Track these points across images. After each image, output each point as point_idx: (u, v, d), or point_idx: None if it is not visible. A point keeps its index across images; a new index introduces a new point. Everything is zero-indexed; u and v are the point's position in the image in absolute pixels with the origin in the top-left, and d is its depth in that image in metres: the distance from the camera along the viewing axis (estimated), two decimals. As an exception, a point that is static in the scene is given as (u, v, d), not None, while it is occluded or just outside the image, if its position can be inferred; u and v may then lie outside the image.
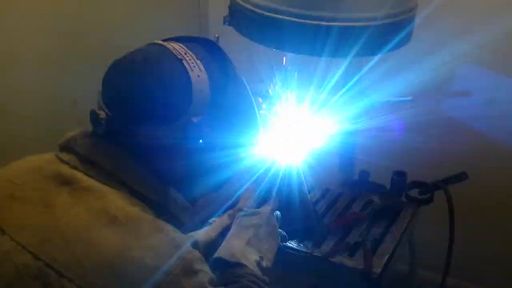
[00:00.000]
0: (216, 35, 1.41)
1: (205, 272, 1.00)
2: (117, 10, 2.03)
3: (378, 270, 1.50)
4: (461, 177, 1.72)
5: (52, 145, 1.10)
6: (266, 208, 1.33)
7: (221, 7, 1.54)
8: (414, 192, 1.79)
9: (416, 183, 1.80)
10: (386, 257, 1.55)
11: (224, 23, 1.51)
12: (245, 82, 1.14)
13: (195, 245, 1.04)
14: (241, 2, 1.40)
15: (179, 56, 1.03)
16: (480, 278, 2.28)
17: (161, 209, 1.07)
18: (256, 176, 1.37)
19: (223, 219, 1.35)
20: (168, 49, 1.04)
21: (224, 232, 1.30)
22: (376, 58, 1.41)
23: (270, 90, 1.57)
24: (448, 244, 1.77)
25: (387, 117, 1.71)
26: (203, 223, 1.33)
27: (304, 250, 1.56)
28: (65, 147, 1.07)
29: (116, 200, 1.00)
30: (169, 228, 1.01)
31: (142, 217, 1.00)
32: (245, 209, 1.32)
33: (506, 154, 2.04)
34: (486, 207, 2.14)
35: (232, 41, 1.45)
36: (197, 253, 1.01)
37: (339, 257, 1.54)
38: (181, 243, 0.99)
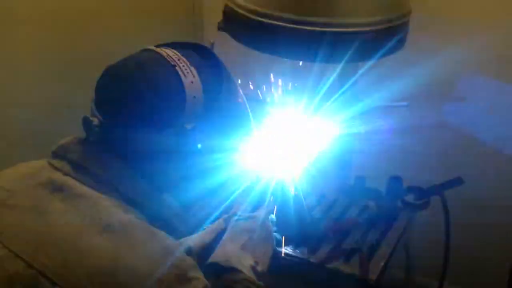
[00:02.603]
0: (211, 41, 1.40)
1: (199, 280, 1.00)
2: (112, 16, 2.03)
3: (374, 276, 1.49)
4: (456, 182, 1.72)
5: (45, 151, 1.10)
6: (260, 213, 1.33)
7: (216, 13, 1.54)
8: (410, 198, 1.78)
9: (412, 188, 1.79)
10: (382, 263, 1.54)
11: (219, 29, 1.51)
12: (239, 88, 1.14)
13: (189, 251, 1.03)
14: (235, 8, 1.40)
15: (173, 63, 1.03)
16: (477, 284, 2.27)
17: (154, 215, 1.07)
18: (250, 180, 1.36)
19: (218, 224, 1.34)
20: (161, 55, 1.04)
21: (218, 236, 1.30)
22: (371, 62, 1.41)
23: (265, 95, 1.57)
24: (444, 250, 1.77)
25: (382, 122, 1.71)
26: (197, 228, 1.32)
27: (299, 256, 1.56)
28: (58, 154, 1.07)
29: (109, 207, 1.00)
30: (163, 235, 1.01)
31: (135, 224, 1.00)
32: (239, 213, 1.32)
33: (501, 159, 2.04)
34: (482, 212, 2.14)
35: (227, 47, 1.45)
36: (191, 260, 1.01)
37: (335, 263, 1.54)
38: (175, 250, 0.98)
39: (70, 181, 1.02)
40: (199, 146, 1.06)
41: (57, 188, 1.02)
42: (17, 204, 1.02)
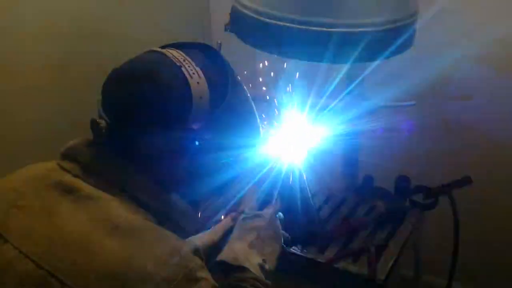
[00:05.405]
0: (218, 41, 1.41)
1: (207, 280, 1.00)
2: (118, 16, 2.03)
3: (383, 276, 1.49)
4: (465, 181, 1.72)
5: (54, 152, 1.11)
6: (268, 211, 1.33)
7: (223, 14, 1.55)
8: (418, 197, 1.79)
9: (420, 187, 1.79)
10: (391, 262, 1.54)
11: (226, 30, 1.51)
12: (245, 87, 1.15)
13: (197, 251, 1.04)
14: (242, 9, 1.41)
15: (178, 63, 1.03)
16: (486, 283, 2.27)
17: (162, 215, 1.07)
18: (257, 178, 1.37)
19: (226, 222, 1.34)
20: (167, 56, 1.04)
21: (226, 235, 1.30)
22: (378, 61, 1.41)
23: (272, 95, 1.57)
24: (453, 249, 1.76)
25: (390, 120, 1.71)
26: (204, 226, 1.33)
27: (307, 256, 1.56)
28: (67, 156, 1.07)
29: (118, 208, 1.00)
30: (171, 235, 1.01)
31: (144, 225, 1.00)
32: (246, 211, 1.32)
33: (510, 157, 2.03)
34: (490, 211, 2.13)
35: (234, 47, 1.45)
36: (199, 261, 1.01)
37: (343, 263, 1.54)
38: (183, 251, 0.98)
39: (79, 183, 1.03)
40: (206, 145, 1.07)
41: (67, 190, 1.02)
42: (27, 205, 1.03)
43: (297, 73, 1.53)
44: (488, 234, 2.14)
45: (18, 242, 0.99)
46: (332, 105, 1.55)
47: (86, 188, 1.03)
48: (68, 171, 1.05)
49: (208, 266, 1.05)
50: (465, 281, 2.20)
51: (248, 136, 1.15)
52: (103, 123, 1.03)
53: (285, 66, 1.54)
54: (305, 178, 1.51)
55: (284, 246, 1.36)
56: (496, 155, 2.04)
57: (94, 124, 1.04)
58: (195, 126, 1.04)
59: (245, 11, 1.40)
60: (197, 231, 1.25)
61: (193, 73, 1.03)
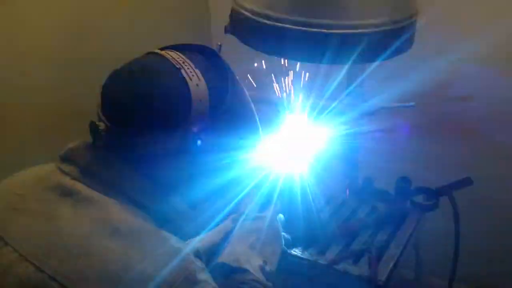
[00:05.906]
0: (219, 43, 1.41)
1: (208, 282, 1.00)
2: (119, 18, 2.04)
3: (384, 278, 1.49)
4: (465, 182, 1.72)
5: (54, 155, 1.11)
6: (268, 212, 1.33)
7: (223, 15, 1.55)
8: (419, 198, 1.79)
9: (421, 189, 1.79)
10: (392, 264, 1.54)
11: (226, 32, 1.51)
12: (244, 89, 1.15)
13: (197, 254, 1.04)
14: (242, 11, 1.41)
15: (178, 66, 1.03)
16: (487, 283, 2.26)
17: (162, 217, 1.07)
18: (257, 180, 1.36)
19: (226, 224, 1.34)
20: (166, 58, 1.04)
21: (226, 237, 1.30)
22: (378, 62, 1.41)
23: (272, 96, 1.57)
24: (454, 250, 1.76)
25: (390, 121, 1.71)
26: (204, 228, 1.33)
27: (308, 257, 1.56)
28: (66, 158, 1.07)
29: (118, 211, 1.00)
30: (171, 238, 1.01)
31: (144, 228, 1.00)
32: (246, 213, 1.32)
33: (510, 158, 2.03)
34: (491, 212, 2.13)
35: (234, 49, 1.45)
36: (199, 263, 1.01)
37: (344, 264, 1.54)
38: (183, 253, 0.99)
39: (78, 186, 1.03)
40: (206, 147, 1.06)
41: (66, 193, 1.02)
42: (27, 208, 1.03)
43: (296, 74, 1.54)
44: (489, 235, 2.14)
45: (18, 245, 0.99)
46: (332, 106, 1.54)
47: (85, 190, 1.03)
48: (67, 174, 1.05)
49: (209, 268, 1.05)
50: (466, 282, 2.19)
51: (248, 138, 1.15)
52: (102, 125, 1.03)
53: (285, 67, 1.54)
54: (305, 179, 1.51)
55: (285, 247, 1.36)
56: (497, 157, 2.03)
57: (93, 126, 1.04)
58: (194, 128, 1.03)
59: (245, 12, 1.40)
60: (197, 233, 1.25)
61: (193, 75, 1.03)
